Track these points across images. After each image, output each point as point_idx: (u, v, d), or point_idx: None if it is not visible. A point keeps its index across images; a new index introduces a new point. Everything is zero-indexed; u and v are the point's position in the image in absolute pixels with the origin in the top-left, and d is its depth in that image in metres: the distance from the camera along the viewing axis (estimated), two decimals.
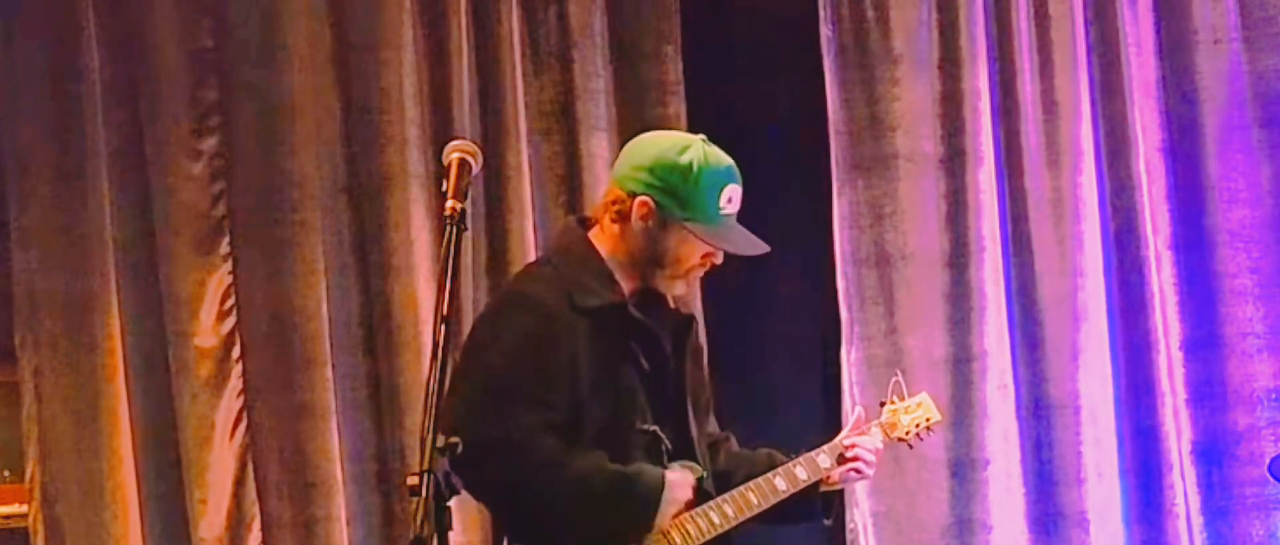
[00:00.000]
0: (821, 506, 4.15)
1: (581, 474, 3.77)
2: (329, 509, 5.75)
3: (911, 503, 5.88)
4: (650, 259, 3.88)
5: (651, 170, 3.87)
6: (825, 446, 4.12)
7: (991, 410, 5.89)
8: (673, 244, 3.86)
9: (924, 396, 4.34)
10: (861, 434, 4.16)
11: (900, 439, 4.27)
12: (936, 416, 4.33)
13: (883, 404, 4.28)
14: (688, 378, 3.97)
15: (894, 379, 4.31)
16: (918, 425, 4.28)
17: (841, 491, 4.24)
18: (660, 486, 3.81)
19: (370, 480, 5.83)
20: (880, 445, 4.18)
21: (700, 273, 3.94)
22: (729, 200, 3.88)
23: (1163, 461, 5.93)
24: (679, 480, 3.86)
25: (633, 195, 3.86)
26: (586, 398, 3.79)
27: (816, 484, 4.09)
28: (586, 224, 3.97)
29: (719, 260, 3.93)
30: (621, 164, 3.94)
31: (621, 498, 3.79)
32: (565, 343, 3.79)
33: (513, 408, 3.73)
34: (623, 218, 3.88)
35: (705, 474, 3.95)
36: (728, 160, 3.91)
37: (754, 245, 3.94)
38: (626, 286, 3.91)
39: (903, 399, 4.30)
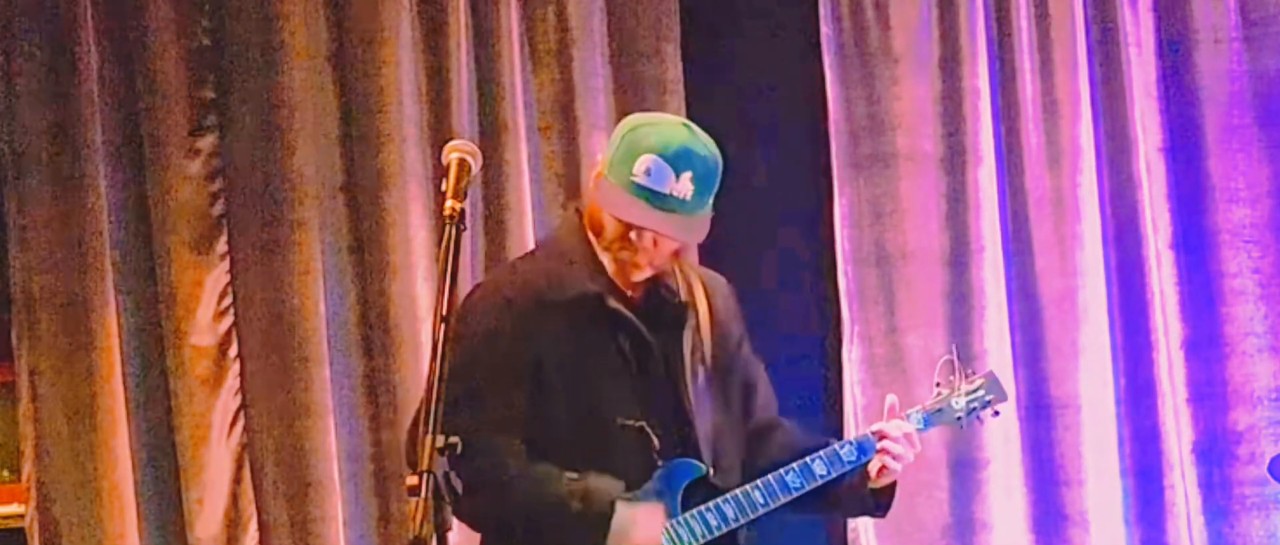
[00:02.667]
0: (874, 502, 4.00)
1: (526, 486, 3.70)
2: (326, 509, 5.74)
3: (911, 503, 5.86)
4: (593, 227, 3.79)
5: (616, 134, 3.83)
6: (852, 439, 3.98)
7: None
8: (604, 207, 3.76)
9: (990, 375, 4.16)
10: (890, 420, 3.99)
11: (950, 423, 4.11)
12: (1002, 396, 4.14)
13: (937, 386, 4.11)
14: (688, 370, 3.85)
15: (945, 358, 4.14)
16: (974, 407, 4.09)
17: (894, 484, 4.07)
18: (607, 511, 3.69)
19: (367, 480, 5.83)
20: (912, 429, 3.99)
21: (633, 256, 3.76)
22: (646, 172, 3.70)
23: (1163, 461, 5.91)
24: (643, 516, 3.74)
25: None
26: (555, 393, 3.73)
27: (865, 481, 3.95)
28: (582, 214, 3.89)
29: (645, 242, 3.73)
30: None
31: (564, 521, 3.70)
32: (528, 337, 3.73)
33: (469, 406, 3.63)
34: None
35: (708, 470, 3.85)
36: (678, 140, 3.73)
37: (673, 226, 3.73)
38: (624, 275, 3.82)
39: (959, 380, 4.10)
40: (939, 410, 4.09)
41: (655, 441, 3.80)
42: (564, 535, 3.72)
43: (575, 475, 3.72)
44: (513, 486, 3.71)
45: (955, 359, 4.12)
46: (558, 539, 3.74)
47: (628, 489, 3.77)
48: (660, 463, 3.81)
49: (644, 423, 3.79)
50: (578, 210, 3.91)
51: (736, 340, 3.98)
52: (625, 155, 3.72)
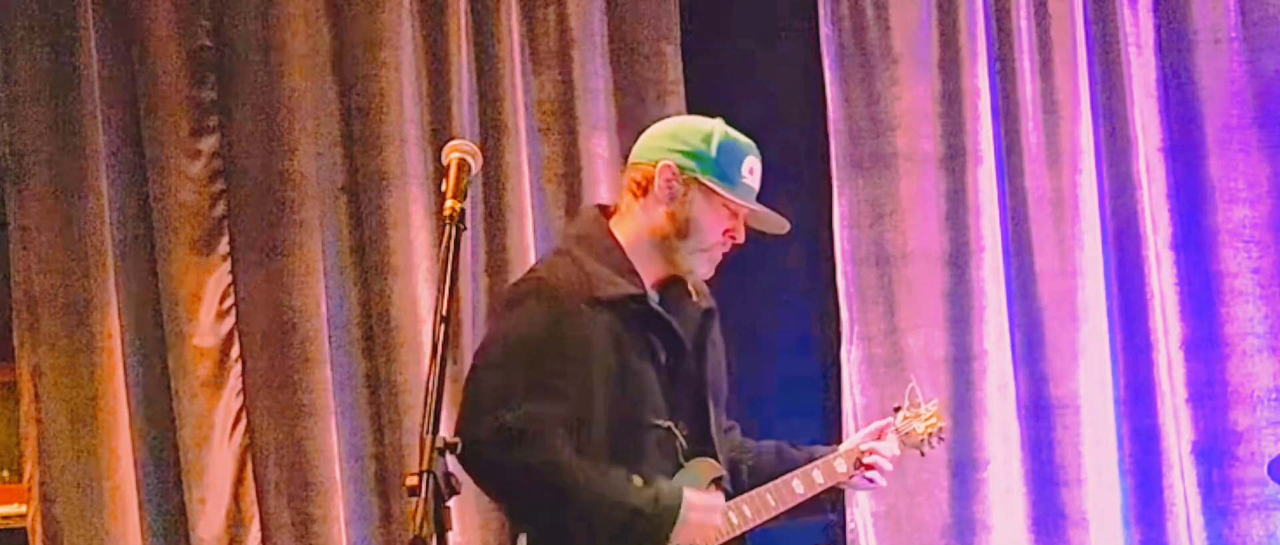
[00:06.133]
0: (827, 504, 4.18)
1: (597, 491, 3.72)
2: (327, 509, 5.75)
3: (911, 503, 5.88)
4: (674, 229, 3.86)
5: (673, 136, 3.90)
6: (841, 451, 4.12)
7: (991, 410, 5.88)
8: (696, 211, 3.85)
9: (936, 404, 4.34)
10: (879, 440, 4.17)
11: (914, 446, 4.26)
12: (943, 423, 4.34)
13: (897, 409, 4.26)
14: (709, 372, 3.93)
15: (910, 386, 4.30)
16: (931, 434, 4.28)
17: (843, 491, 4.24)
18: (675, 512, 3.76)
19: (369, 480, 5.83)
20: (897, 452, 4.19)
21: (722, 251, 3.92)
22: (750, 172, 3.90)
23: (1163, 461, 5.92)
24: (702, 504, 3.81)
25: (654, 164, 3.87)
26: (598, 391, 3.75)
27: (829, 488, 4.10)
28: (607, 212, 3.95)
29: (739, 237, 3.91)
30: (641, 144, 3.95)
31: (632, 524, 3.75)
32: (580, 334, 3.75)
33: (525, 398, 3.68)
34: (644, 190, 3.87)
35: (723, 472, 3.92)
36: (747, 140, 3.94)
37: (776, 222, 3.95)
38: (648, 277, 3.87)
39: (917, 405, 4.28)
40: (907, 434, 4.26)
41: (682, 442, 3.87)
42: (630, 537, 3.75)
43: (640, 481, 3.76)
44: (575, 481, 3.72)
45: (917, 387, 4.31)
46: (621, 538, 3.77)
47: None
48: (683, 462, 3.87)
49: (671, 423, 3.85)
50: (601, 209, 3.97)
51: (722, 349, 4.08)
52: (726, 157, 3.87)
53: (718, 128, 3.91)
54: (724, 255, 3.95)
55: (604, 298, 3.79)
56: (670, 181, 3.85)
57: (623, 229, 3.89)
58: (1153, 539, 5.92)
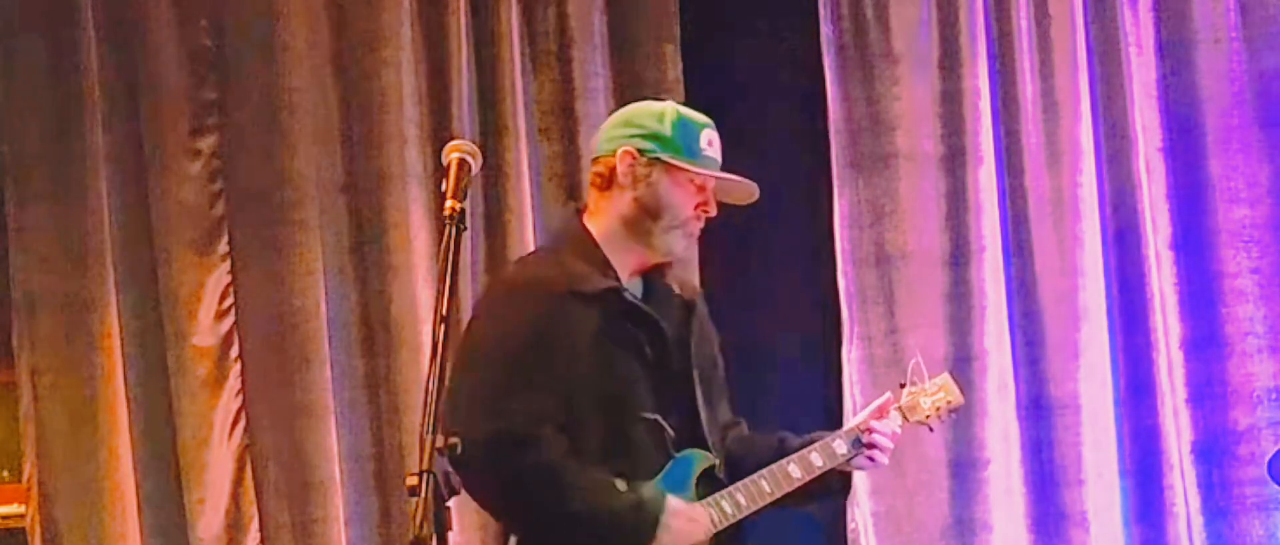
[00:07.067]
0: (839, 485, 4.11)
1: (583, 495, 3.71)
2: (327, 509, 5.75)
3: (911, 503, 5.88)
4: (645, 213, 3.85)
5: (627, 123, 3.91)
6: (841, 431, 4.08)
7: (991, 410, 5.88)
8: (662, 189, 3.84)
9: (945, 377, 4.28)
10: (881, 419, 4.12)
11: (920, 422, 4.22)
12: (958, 399, 4.27)
13: (902, 386, 4.22)
14: (695, 362, 3.91)
15: (914, 361, 4.26)
16: (938, 408, 4.23)
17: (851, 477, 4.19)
18: (656, 519, 3.74)
19: (369, 480, 5.83)
20: (898, 430, 4.14)
21: (698, 226, 3.90)
22: (709, 144, 3.89)
23: (1163, 461, 5.92)
24: (685, 512, 3.80)
25: (613, 153, 3.87)
26: (585, 385, 3.74)
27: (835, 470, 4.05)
28: (582, 211, 3.95)
29: (711, 210, 3.89)
30: (598, 137, 3.97)
31: (612, 528, 3.74)
32: (563, 329, 3.75)
33: (513, 398, 3.68)
34: (607, 182, 3.87)
35: (717, 462, 3.91)
36: (702, 115, 3.94)
37: (746, 189, 3.92)
38: (624, 269, 3.87)
39: (923, 381, 4.24)
40: (911, 409, 4.21)
41: (670, 434, 3.85)
42: (611, 541, 3.76)
43: (624, 486, 3.75)
44: (563, 485, 3.71)
45: (921, 362, 4.26)
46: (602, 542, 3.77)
47: (644, 480, 3.81)
48: (674, 454, 3.86)
49: (659, 416, 3.83)
50: (578, 209, 3.97)
51: (716, 342, 4.06)
52: (682, 131, 3.87)
53: (670, 107, 3.92)
54: (703, 230, 3.93)
55: (584, 291, 3.78)
56: (632, 166, 3.85)
57: (594, 224, 3.89)
58: (1153, 539, 5.92)
